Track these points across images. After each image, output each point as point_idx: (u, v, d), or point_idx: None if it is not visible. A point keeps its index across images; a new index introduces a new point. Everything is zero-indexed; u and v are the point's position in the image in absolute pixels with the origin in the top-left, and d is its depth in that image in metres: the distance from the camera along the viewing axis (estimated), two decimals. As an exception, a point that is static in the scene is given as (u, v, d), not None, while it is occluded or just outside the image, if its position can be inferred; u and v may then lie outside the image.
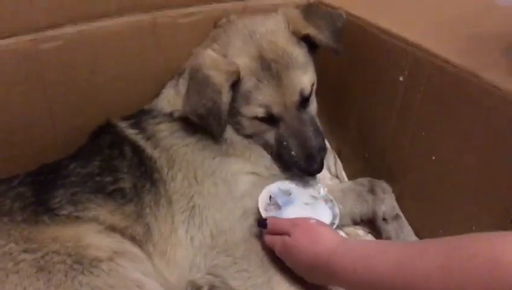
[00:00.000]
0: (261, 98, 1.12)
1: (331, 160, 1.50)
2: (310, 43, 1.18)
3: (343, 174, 1.46)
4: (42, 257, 0.95)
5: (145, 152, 1.16)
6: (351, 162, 1.46)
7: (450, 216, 1.14)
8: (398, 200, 1.26)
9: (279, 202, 1.12)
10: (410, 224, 1.22)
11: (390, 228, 1.22)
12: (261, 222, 1.05)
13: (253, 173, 1.17)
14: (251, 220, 1.10)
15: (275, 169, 1.21)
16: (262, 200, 1.10)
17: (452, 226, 1.11)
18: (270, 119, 1.15)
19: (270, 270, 1.04)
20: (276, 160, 1.21)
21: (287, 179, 1.19)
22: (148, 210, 1.10)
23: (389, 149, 1.29)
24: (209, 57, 1.12)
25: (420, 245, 0.82)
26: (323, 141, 1.18)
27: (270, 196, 1.13)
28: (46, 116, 1.22)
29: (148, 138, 1.17)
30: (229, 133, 1.18)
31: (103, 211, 1.07)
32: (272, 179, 1.18)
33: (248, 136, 1.20)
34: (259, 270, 1.04)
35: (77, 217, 1.05)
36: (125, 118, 1.23)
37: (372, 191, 1.26)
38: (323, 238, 0.93)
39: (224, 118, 1.10)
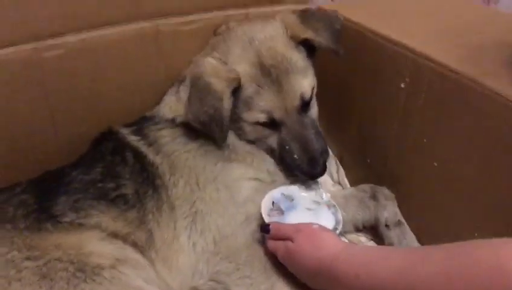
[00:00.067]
0: (262, 104, 1.12)
1: (333, 166, 1.50)
2: (308, 47, 1.19)
3: (346, 180, 1.46)
4: (45, 264, 0.94)
5: (147, 158, 1.16)
6: (352, 168, 1.46)
7: (452, 222, 1.14)
8: (400, 206, 1.25)
9: (282, 207, 1.12)
10: (413, 230, 1.22)
11: (392, 234, 1.21)
12: (264, 227, 1.05)
13: (255, 179, 1.17)
14: (253, 225, 1.10)
15: (278, 174, 1.21)
16: (265, 205, 1.10)
17: (454, 232, 1.10)
18: (272, 124, 1.15)
19: (272, 276, 1.04)
20: (279, 164, 1.21)
21: (289, 184, 1.19)
22: (150, 216, 1.10)
23: (391, 155, 1.29)
24: (209, 65, 1.13)
25: (422, 251, 0.81)
26: (325, 144, 1.19)
27: (273, 201, 1.13)
28: (49, 124, 1.22)
29: (150, 144, 1.18)
30: (231, 138, 1.19)
31: (105, 217, 1.07)
32: (275, 184, 1.18)
33: (250, 142, 1.21)
34: (262, 276, 1.04)
35: (80, 224, 1.05)
36: (127, 125, 1.24)
37: (374, 197, 1.26)
38: (326, 244, 0.93)
39: (226, 124, 1.11)
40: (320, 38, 1.16)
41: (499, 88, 0.98)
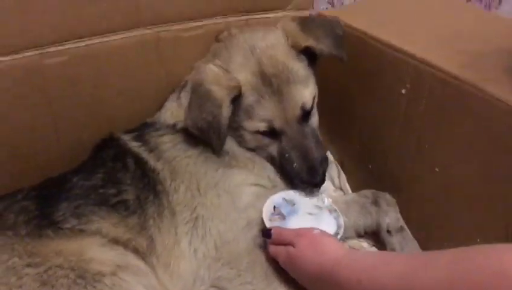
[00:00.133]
0: (263, 113, 1.12)
1: (335, 172, 1.50)
2: (310, 55, 1.19)
3: (347, 186, 1.46)
4: (45, 271, 0.94)
5: (148, 164, 1.16)
6: (354, 173, 1.46)
7: (454, 228, 1.13)
8: (402, 212, 1.25)
9: (284, 212, 1.12)
10: (414, 236, 1.22)
11: (394, 240, 1.21)
12: (266, 232, 1.05)
13: (256, 185, 1.17)
14: (255, 231, 1.10)
15: (279, 180, 1.21)
16: (267, 210, 1.10)
17: (456, 237, 1.10)
18: (272, 133, 1.15)
19: (274, 282, 1.03)
20: (278, 172, 1.21)
21: (291, 189, 1.19)
22: (151, 222, 1.10)
23: (392, 161, 1.29)
24: (211, 72, 1.13)
25: (425, 257, 0.81)
26: (325, 153, 1.19)
27: (274, 206, 1.12)
28: (51, 131, 1.22)
29: (151, 150, 1.18)
30: (232, 145, 1.19)
31: (106, 223, 1.06)
32: (275, 190, 1.17)
33: (251, 149, 1.21)
34: (264, 283, 1.04)
35: (81, 230, 1.05)
36: (128, 131, 1.24)
37: (376, 203, 1.25)
38: (327, 249, 0.93)
39: (224, 131, 1.11)
40: (322, 46, 1.16)
41: (499, 94, 0.99)
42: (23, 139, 1.20)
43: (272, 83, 1.12)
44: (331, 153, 1.52)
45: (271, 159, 1.21)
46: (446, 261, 0.73)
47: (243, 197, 1.13)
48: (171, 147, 1.18)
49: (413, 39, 1.22)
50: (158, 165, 1.16)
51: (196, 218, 1.11)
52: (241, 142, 1.20)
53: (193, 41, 1.30)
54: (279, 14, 1.39)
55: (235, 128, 1.16)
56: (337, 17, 1.25)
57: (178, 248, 1.09)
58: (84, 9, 1.15)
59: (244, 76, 1.12)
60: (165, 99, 1.29)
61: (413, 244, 1.21)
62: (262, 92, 1.12)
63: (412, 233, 1.22)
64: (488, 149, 1.03)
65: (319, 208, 1.15)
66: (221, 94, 1.09)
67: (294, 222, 1.09)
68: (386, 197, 1.26)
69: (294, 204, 1.15)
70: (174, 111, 1.23)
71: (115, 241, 1.04)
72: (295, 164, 1.14)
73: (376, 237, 1.26)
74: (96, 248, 1.01)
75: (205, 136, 1.13)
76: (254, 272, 1.05)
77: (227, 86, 1.10)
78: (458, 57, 1.12)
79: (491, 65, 1.08)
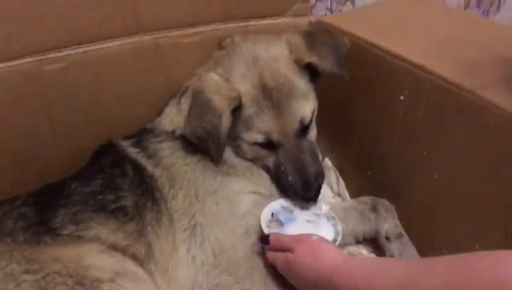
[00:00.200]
0: (261, 125, 1.12)
1: (333, 178, 1.50)
2: (312, 70, 1.18)
3: (346, 192, 1.46)
4: (43, 277, 0.94)
5: (147, 170, 1.16)
6: (353, 180, 1.46)
7: (453, 235, 1.13)
8: (400, 218, 1.25)
9: (281, 219, 1.12)
10: (413, 243, 1.22)
11: (393, 247, 1.21)
12: (264, 238, 1.05)
13: (254, 193, 1.17)
14: (253, 238, 1.10)
15: (275, 190, 1.20)
16: (265, 217, 1.10)
17: (455, 244, 1.10)
18: (270, 145, 1.15)
19: (272, 288, 1.04)
20: (274, 183, 1.20)
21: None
22: (149, 228, 1.09)
23: (391, 167, 1.30)
24: (212, 81, 1.12)
25: (423, 263, 0.81)
26: (321, 167, 1.18)
27: (272, 213, 1.13)
28: (50, 137, 1.22)
29: (149, 157, 1.18)
30: (230, 155, 1.19)
31: (105, 229, 1.06)
32: (273, 198, 1.17)
33: (248, 159, 1.20)
34: (262, 289, 1.04)
35: (79, 237, 1.04)
36: (127, 137, 1.24)
37: (374, 209, 1.25)
38: (326, 255, 0.92)
39: (223, 141, 1.11)
40: (324, 64, 1.15)
41: (497, 100, 0.99)
42: (22, 145, 1.20)
43: (272, 95, 1.11)
44: (330, 160, 1.53)
45: (267, 170, 1.20)
46: (445, 267, 0.73)
47: (241, 204, 1.13)
48: (170, 153, 1.18)
49: (411, 46, 1.22)
50: (156, 172, 1.15)
51: (194, 225, 1.11)
52: (238, 152, 1.19)
53: (192, 48, 1.31)
54: (278, 20, 1.40)
55: (233, 138, 1.16)
56: (345, 37, 1.23)
57: (176, 255, 1.09)
58: (83, 16, 1.16)
59: (245, 87, 1.12)
60: (164, 105, 1.29)
61: (411, 251, 1.21)
62: (262, 105, 1.11)
63: (411, 239, 1.22)
64: (487, 155, 1.03)
65: (317, 215, 1.15)
66: (222, 104, 1.09)
67: (292, 229, 1.09)
68: (385, 204, 1.26)
69: (292, 211, 1.15)
70: (173, 117, 1.23)
71: (114, 248, 1.04)
72: (290, 177, 1.14)
73: (375, 243, 1.26)
74: (94, 254, 1.01)
75: (204, 145, 1.13)
76: (252, 279, 1.05)
77: (228, 96, 1.10)
78: (456, 64, 1.12)
79: (489, 72, 1.09)
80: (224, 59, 1.20)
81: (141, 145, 1.20)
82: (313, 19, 1.47)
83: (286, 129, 1.13)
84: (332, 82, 1.29)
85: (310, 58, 1.15)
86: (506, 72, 1.07)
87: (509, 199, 1.00)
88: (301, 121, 1.14)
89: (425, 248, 1.20)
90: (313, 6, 1.88)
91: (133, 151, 1.19)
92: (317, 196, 1.15)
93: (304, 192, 1.13)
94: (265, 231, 1.07)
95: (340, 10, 2.00)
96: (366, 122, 1.35)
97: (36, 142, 1.21)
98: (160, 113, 1.27)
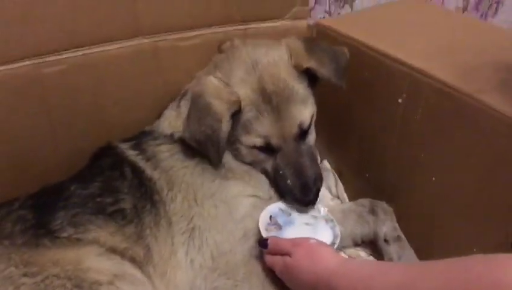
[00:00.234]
0: (261, 129, 1.12)
1: (332, 181, 1.50)
2: (310, 76, 1.18)
3: (344, 195, 1.46)
4: (42, 280, 0.94)
5: (145, 173, 1.16)
6: (351, 182, 1.47)
7: (451, 237, 1.14)
8: (399, 221, 1.25)
9: (280, 221, 1.12)
10: (412, 245, 1.22)
11: (391, 249, 1.21)
12: (262, 242, 1.05)
13: (253, 196, 1.17)
14: (252, 241, 1.10)
15: (274, 193, 1.20)
16: (263, 220, 1.10)
17: (453, 247, 1.10)
18: (268, 149, 1.15)
19: (270, 293, 1.04)
20: (272, 187, 1.20)
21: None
22: (148, 231, 1.09)
23: (390, 170, 1.30)
24: (212, 85, 1.12)
25: (422, 267, 0.81)
26: (320, 171, 1.18)
27: (271, 216, 1.13)
28: (49, 139, 1.22)
29: (148, 159, 1.18)
30: (228, 158, 1.19)
31: (103, 232, 1.06)
32: (272, 201, 1.17)
33: (246, 163, 1.20)
34: (260, 293, 1.04)
35: (78, 239, 1.04)
36: (126, 140, 1.24)
37: (373, 212, 1.26)
38: (324, 259, 0.93)
39: (223, 145, 1.11)
40: (323, 70, 1.15)
41: (495, 104, 0.99)
42: (22, 148, 1.20)
43: (272, 100, 1.11)
44: (329, 162, 1.53)
45: (265, 174, 1.20)
46: (443, 271, 0.73)
47: (240, 208, 1.13)
48: (169, 156, 1.18)
49: (410, 49, 1.22)
50: (155, 175, 1.15)
51: (193, 228, 1.11)
52: (237, 155, 1.19)
53: (191, 51, 1.31)
54: (277, 23, 1.40)
55: (231, 141, 1.16)
56: (345, 48, 1.24)
57: (175, 258, 1.09)
58: (82, 19, 1.16)
59: (244, 91, 1.12)
60: (163, 108, 1.29)
61: (410, 254, 1.21)
62: (261, 109, 1.11)
63: (409, 242, 1.22)
64: (485, 158, 1.03)
65: (315, 218, 1.16)
66: (222, 108, 1.09)
67: (291, 232, 1.10)
68: (383, 206, 1.26)
69: (290, 214, 1.15)
70: (172, 121, 1.23)
71: (112, 251, 1.04)
72: (289, 181, 1.14)
73: (373, 246, 1.27)
74: (93, 257, 1.01)
75: (203, 149, 1.13)
76: (251, 282, 1.05)
77: (228, 100, 1.10)
78: (454, 67, 1.12)
79: (487, 75, 1.09)
80: (223, 63, 1.20)
81: (140, 147, 1.20)
82: (311, 22, 1.48)
83: (285, 133, 1.13)
84: (332, 85, 1.30)
85: (309, 63, 1.15)
86: (504, 76, 1.07)
87: (507, 201, 1.00)
88: (300, 126, 1.14)
89: (424, 250, 1.20)
90: (311, 9, 1.88)
91: (131, 154, 1.19)
92: (316, 200, 1.16)
93: (302, 195, 1.13)
94: (264, 234, 1.07)
95: (339, 13, 2.01)
96: (365, 125, 1.36)
97: (36, 144, 1.21)
98: (159, 116, 1.27)
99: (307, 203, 1.15)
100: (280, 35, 1.29)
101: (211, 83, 1.13)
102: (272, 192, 1.20)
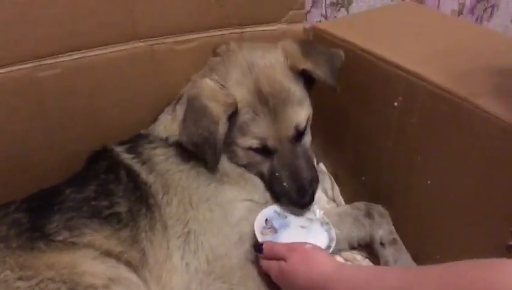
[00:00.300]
0: (257, 131, 1.12)
1: (328, 184, 1.50)
2: (306, 78, 1.18)
3: (340, 198, 1.46)
4: (37, 284, 0.93)
5: (140, 177, 1.15)
6: (347, 185, 1.47)
7: (447, 241, 1.14)
8: (395, 224, 1.25)
9: (275, 225, 1.12)
10: (407, 248, 1.22)
11: (387, 252, 1.21)
12: (257, 247, 1.05)
13: (248, 200, 1.17)
14: (247, 245, 1.10)
15: (269, 197, 1.20)
16: (258, 223, 1.10)
17: (449, 251, 1.10)
18: (265, 151, 1.15)
19: (266, 296, 1.04)
20: (268, 190, 1.20)
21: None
22: (143, 235, 1.09)
23: (386, 173, 1.30)
24: (207, 87, 1.12)
25: (417, 271, 0.81)
26: (316, 173, 1.18)
27: (266, 219, 1.13)
28: (46, 142, 1.22)
29: (143, 163, 1.17)
30: (224, 162, 1.18)
31: (99, 236, 1.06)
32: (268, 205, 1.17)
33: (242, 165, 1.20)
34: (256, 297, 1.04)
35: (73, 243, 1.04)
36: (121, 143, 1.23)
37: (369, 215, 1.26)
38: (320, 264, 0.93)
39: (220, 147, 1.11)
40: (319, 72, 1.16)
41: (490, 107, 1.00)
42: (19, 151, 1.20)
43: (268, 101, 1.11)
44: (325, 165, 1.53)
45: (261, 177, 1.20)
46: (439, 275, 0.73)
47: (235, 211, 1.13)
48: (164, 160, 1.17)
49: (405, 53, 1.23)
50: (150, 178, 1.15)
51: (188, 232, 1.10)
52: (232, 157, 1.19)
53: (188, 54, 1.31)
54: (274, 27, 1.40)
55: (228, 143, 1.16)
56: (341, 50, 1.24)
57: (170, 262, 1.09)
58: (78, 22, 1.16)
59: (240, 93, 1.12)
60: (159, 111, 1.28)
61: (406, 257, 1.21)
62: (257, 110, 1.11)
63: (405, 245, 1.23)
64: (480, 161, 1.04)
65: (311, 220, 1.16)
66: (218, 110, 1.09)
67: (286, 236, 1.10)
68: (379, 209, 1.26)
69: (286, 217, 1.15)
70: (167, 125, 1.22)
71: (107, 254, 1.04)
72: (285, 183, 1.14)
73: (369, 249, 1.27)
74: (88, 260, 1.00)
75: (200, 152, 1.12)
76: (246, 286, 1.05)
77: (224, 102, 1.10)
78: (449, 71, 1.13)
79: (482, 79, 1.10)
80: (219, 66, 1.20)
81: (135, 151, 1.20)
82: (308, 25, 1.48)
83: (281, 135, 1.13)
84: (327, 87, 1.30)
85: (305, 65, 1.15)
86: (499, 80, 1.08)
87: (502, 204, 1.00)
88: (296, 127, 1.14)
89: (420, 254, 1.20)
90: (308, 13, 1.88)
91: (127, 157, 1.19)
92: (312, 202, 1.16)
93: (298, 197, 1.13)
94: (259, 238, 1.07)
95: (335, 16, 2.01)
96: (361, 128, 1.36)
97: (32, 147, 1.21)
98: (155, 120, 1.27)
99: (303, 205, 1.15)
100: (276, 38, 1.29)
101: (207, 85, 1.13)
102: (267, 196, 1.20)
